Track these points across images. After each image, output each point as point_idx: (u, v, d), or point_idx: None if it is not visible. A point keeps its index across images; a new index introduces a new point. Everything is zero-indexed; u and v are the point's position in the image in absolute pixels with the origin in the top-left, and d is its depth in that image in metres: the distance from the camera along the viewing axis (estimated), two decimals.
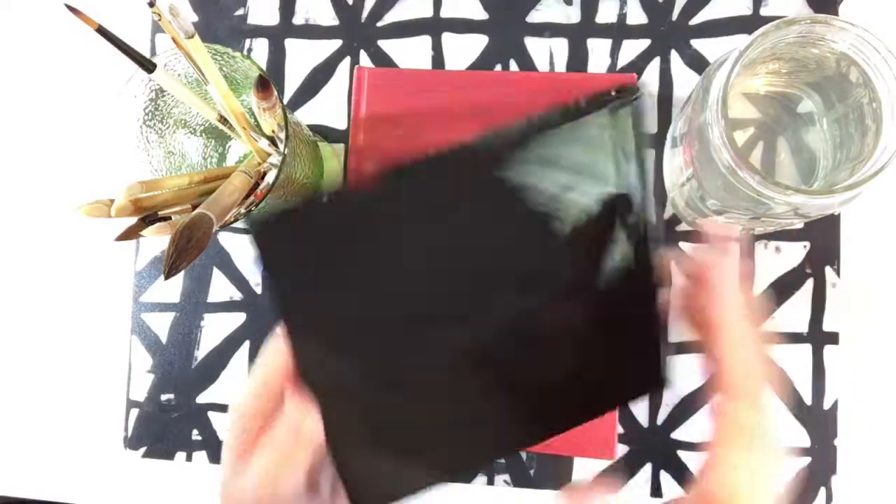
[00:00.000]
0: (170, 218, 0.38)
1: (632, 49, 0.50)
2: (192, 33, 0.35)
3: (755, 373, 0.29)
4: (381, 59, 0.51)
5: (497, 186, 0.26)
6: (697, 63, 0.50)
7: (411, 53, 0.51)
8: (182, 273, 0.45)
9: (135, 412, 0.51)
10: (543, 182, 0.26)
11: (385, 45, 0.52)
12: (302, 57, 0.52)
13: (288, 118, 0.38)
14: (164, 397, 0.51)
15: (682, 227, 0.49)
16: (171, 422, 0.51)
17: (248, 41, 0.52)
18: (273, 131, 0.41)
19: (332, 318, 0.28)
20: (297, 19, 0.52)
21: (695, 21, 0.50)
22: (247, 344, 0.51)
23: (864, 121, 0.37)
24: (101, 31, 0.33)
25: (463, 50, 0.51)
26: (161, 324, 0.51)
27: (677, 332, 0.37)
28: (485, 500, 0.49)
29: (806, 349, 0.47)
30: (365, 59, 0.52)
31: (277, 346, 0.29)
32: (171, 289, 0.52)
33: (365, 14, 0.52)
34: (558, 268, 0.28)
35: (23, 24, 0.55)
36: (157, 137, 0.42)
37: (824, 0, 0.49)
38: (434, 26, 0.51)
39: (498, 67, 0.51)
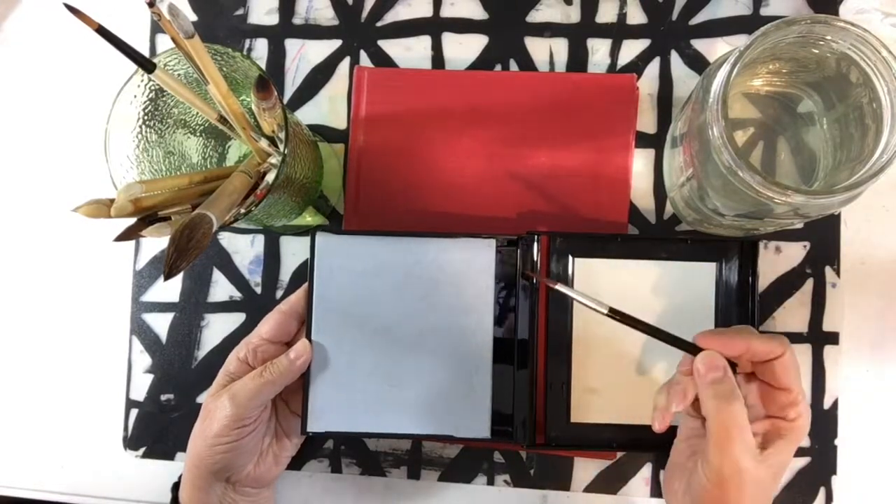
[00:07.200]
0: (170, 218, 0.38)
1: (632, 49, 0.50)
2: (192, 33, 0.35)
3: None
4: (381, 59, 0.51)
5: None
6: (697, 63, 0.50)
7: (411, 53, 0.51)
8: (182, 273, 0.45)
9: (134, 412, 0.51)
10: None
11: (385, 45, 0.52)
12: (302, 57, 0.52)
13: (288, 118, 0.38)
14: (163, 397, 0.51)
15: (682, 226, 0.49)
16: (171, 422, 0.51)
17: (248, 41, 0.52)
18: (273, 131, 0.41)
19: None
20: (297, 19, 0.52)
21: (695, 21, 0.50)
22: None
23: (864, 121, 0.37)
24: (101, 31, 0.33)
25: (463, 50, 0.51)
26: (161, 324, 0.51)
27: None
28: (485, 500, 0.49)
29: (806, 349, 0.47)
30: (365, 59, 0.52)
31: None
32: (171, 289, 0.52)
33: (365, 14, 0.52)
34: None
35: (23, 25, 0.55)
36: (157, 137, 0.42)
37: (824, 0, 0.49)
38: (434, 26, 0.51)
39: (498, 67, 0.51)
